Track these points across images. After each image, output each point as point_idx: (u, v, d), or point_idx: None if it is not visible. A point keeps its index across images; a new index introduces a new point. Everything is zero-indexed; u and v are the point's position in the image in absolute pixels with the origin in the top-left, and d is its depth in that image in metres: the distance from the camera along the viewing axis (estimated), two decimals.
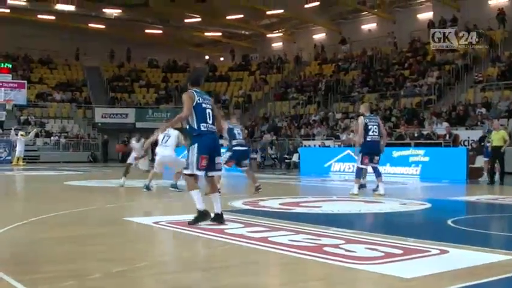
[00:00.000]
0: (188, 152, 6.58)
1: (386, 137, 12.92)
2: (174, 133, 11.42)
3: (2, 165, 25.82)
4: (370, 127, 11.01)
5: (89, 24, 39.08)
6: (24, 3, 35.27)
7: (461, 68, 27.16)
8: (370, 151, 11.03)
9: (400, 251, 4.97)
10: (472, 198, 11.33)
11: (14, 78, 33.43)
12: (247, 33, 42.15)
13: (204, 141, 6.46)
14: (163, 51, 41.83)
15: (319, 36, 38.78)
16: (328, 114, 29.63)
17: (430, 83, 27.29)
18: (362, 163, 11.16)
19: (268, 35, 41.51)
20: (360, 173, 11.43)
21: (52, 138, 33.19)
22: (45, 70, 39.88)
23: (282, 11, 35.48)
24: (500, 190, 13.81)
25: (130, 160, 13.40)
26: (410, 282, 3.98)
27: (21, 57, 39.30)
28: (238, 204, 8.95)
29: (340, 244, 5.26)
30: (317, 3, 34.84)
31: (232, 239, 5.57)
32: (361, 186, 11.50)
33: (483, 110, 22.71)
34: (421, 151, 18.23)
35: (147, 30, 41.29)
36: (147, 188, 11.61)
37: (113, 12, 38.15)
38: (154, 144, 12.14)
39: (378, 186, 11.18)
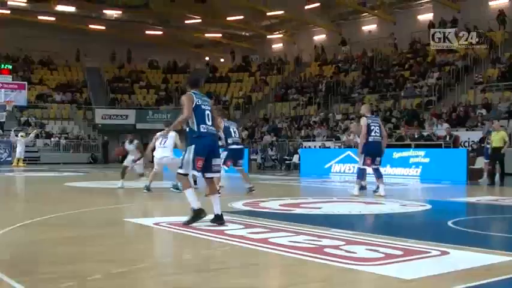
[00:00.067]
0: (185, 151, 6.59)
1: (387, 138, 12.91)
2: (171, 134, 11.40)
3: (2, 166, 25.83)
4: (372, 128, 10.99)
5: (89, 26, 39.10)
6: (24, 5, 35.23)
7: (461, 69, 27.14)
8: (373, 152, 11.03)
9: (401, 252, 4.97)
10: (473, 200, 11.33)
11: (14, 79, 33.51)
12: (247, 34, 42.17)
13: (202, 143, 6.47)
14: (163, 52, 41.81)
15: (320, 37, 38.75)
16: (329, 115, 29.60)
17: (430, 84, 27.27)
18: (364, 164, 11.14)
19: (268, 36, 41.51)
20: (362, 174, 11.42)
21: (52, 139, 33.20)
22: (45, 71, 39.92)
23: (282, 12, 35.49)
24: (500, 191, 13.79)
25: (126, 163, 13.29)
26: (410, 283, 3.98)
27: (21, 58, 39.35)
28: (238, 205, 8.94)
29: (341, 245, 5.25)
30: (317, 4, 34.89)
31: (233, 240, 5.56)
32: (362, 188, 11.49)
33: (483, 111, 22.67)
34: (421, 152, 18.22)
35: (147, 31, 41.28)
36: (148, 189, 11.60)
37: (113, 13, 38.19)
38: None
39: (378, 187, 11.17)
